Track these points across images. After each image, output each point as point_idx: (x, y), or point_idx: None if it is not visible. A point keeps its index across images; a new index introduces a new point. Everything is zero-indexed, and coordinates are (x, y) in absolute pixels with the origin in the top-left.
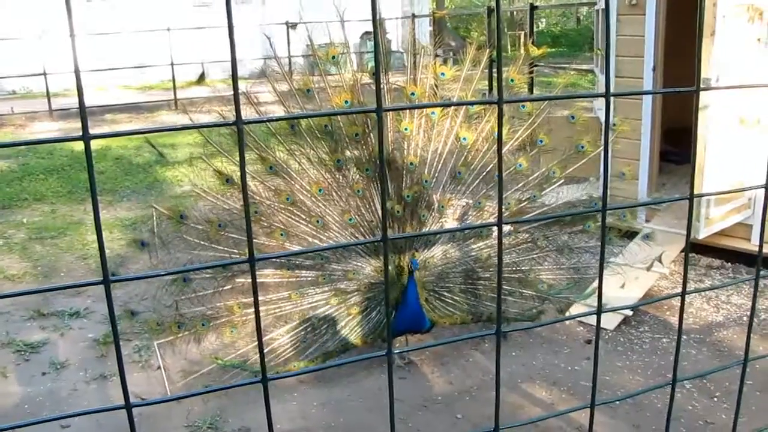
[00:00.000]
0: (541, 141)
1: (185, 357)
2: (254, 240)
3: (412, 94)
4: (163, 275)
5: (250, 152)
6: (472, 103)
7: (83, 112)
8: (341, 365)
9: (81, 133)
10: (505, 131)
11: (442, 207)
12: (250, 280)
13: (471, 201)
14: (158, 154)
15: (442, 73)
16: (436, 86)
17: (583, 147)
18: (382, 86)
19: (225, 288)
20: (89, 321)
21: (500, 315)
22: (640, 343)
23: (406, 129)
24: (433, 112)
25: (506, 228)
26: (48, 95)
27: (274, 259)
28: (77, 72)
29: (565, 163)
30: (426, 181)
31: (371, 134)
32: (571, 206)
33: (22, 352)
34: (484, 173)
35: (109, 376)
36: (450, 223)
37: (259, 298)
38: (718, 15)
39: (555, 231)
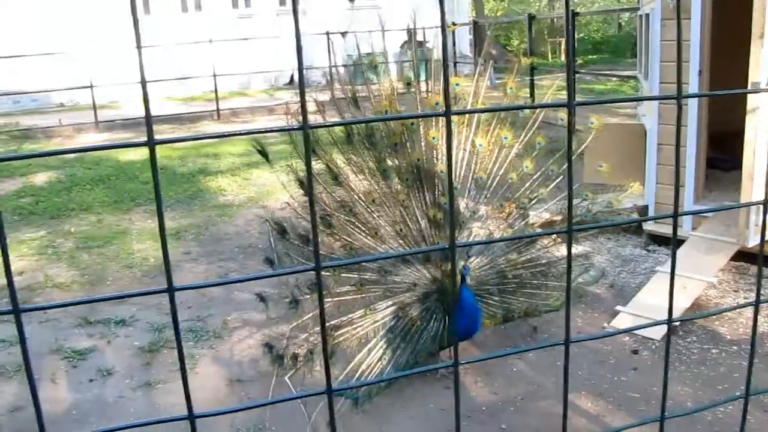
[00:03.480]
0: (540, 143)
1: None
2: (331, 255)
3: (437, 104)
4: (213, 285)
5: (318, 162)
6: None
7: (149, 120)
8: (409, 375)
9: (146, 140)
10: (510, 135)
11: (474, 212)
12: (340, 299)
13: (517, 203)
14: (264, 156)
15: (456, 84)
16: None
17: (601, 166)
18: (448, 90)
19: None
20: (135, 329)
21: (569, 325)
22: (688, 354)
23: (434, 138)
24: (453, 121)
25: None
26: (94, 107)
27: (348, 275)
28: (143, 82)
29: (562, 161)
30: (456, 188)
31: (408, 144)
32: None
33: (70, 359)
34: (498, 177)
35: (154, 383)
36: (493, 226)
37: (342, 318)
38: (767, 16)
39: (558, 224)
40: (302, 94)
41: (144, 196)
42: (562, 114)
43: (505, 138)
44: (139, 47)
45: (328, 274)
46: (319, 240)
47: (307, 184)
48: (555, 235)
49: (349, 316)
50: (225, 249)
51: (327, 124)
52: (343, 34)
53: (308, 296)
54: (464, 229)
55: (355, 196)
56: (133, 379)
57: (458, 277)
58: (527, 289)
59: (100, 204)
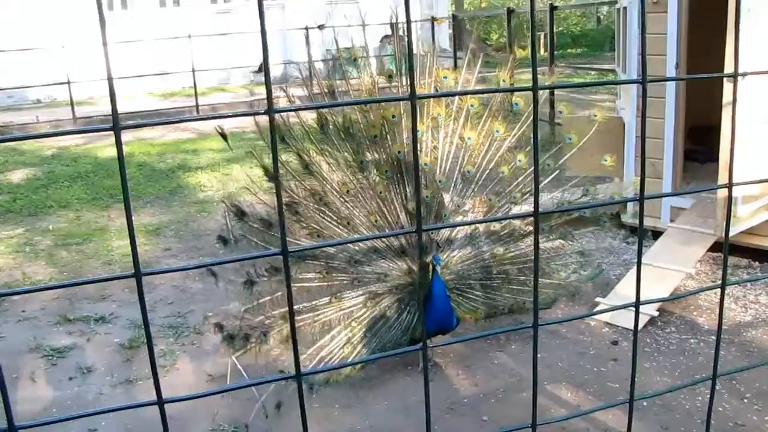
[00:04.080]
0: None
1: (218, 360)
2: (296, 241)
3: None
4: (191, 268)
5: (289, 152)
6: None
7: (114, 102)
8: (379, 359)
9: (112, 130)
10: (502, 129)
11: (458, 206)
12: (303, 285)
13: (508, 198)
14: (224, 138)
15: (445, 77)
16: (438, 89)
17: (570, 139)
18: (413, 74)
19: (278, 295)
20: (114, 326)
21: (537, 306)
22: (666, 344)
23: (418, 131)
24: (439, 114)
25: (517, 223)
26: (72, 104)
27: (313, 263)
28: (108, 66)
29: (557, 155)
30: (440, 181)
31: (388, 136)
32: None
33: (50, 357)
34: (488, 171)
35: (135, 380)
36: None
37: (305, 304)
38: (743, 9)
39: (558, 221)
40: (267, 77)
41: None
42: (562, 107)
43: (497, 131)
44: (105, 44)
45: (292, 259)
46: (288, 227)
47: (273, 169)
48: (547, 232)
49: (313, 302)
50: (205, 245)
51: (293, 108)
52: (321, 27)
53: (265, 279)
54: (448, 221)
55: (327, 186)
56: (114, 376)
57: (429, 268)
58: (514, 285)
59: (78, 201)
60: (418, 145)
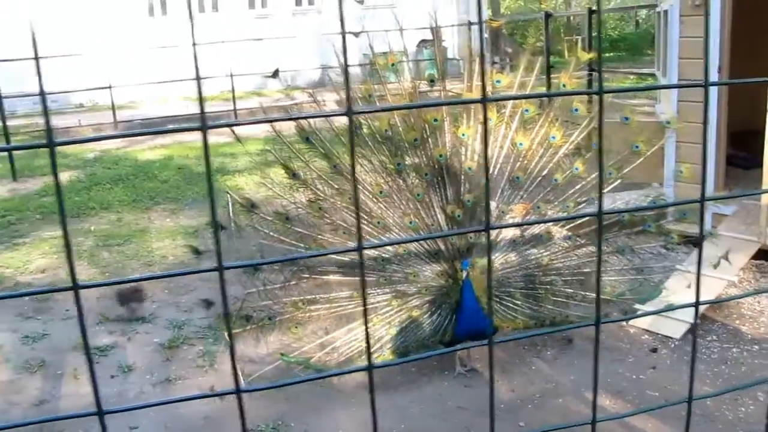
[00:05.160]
0: (596, 144)
1: (248, 359)
2: (319, 236)
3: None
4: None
5: (316, 152)
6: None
7: (202, 105)
8: (442, 354)
9: (200, 129)
10: (559, 135)
11: (503, 212)
12: (314, 277)
13: (560, 207)
14: (238, 140)
15: (498, 81)
16: (491, 93)
17: (638, 147)
18: (484, 77)
19: (291, 283)
20: (154, 326)
21: (599, 303)
22: (708, 353)
23: (463, 135)
24: (489, 119)
25: (564, 232)
26: (113, 107)
27: (338, 258)
28: (198, 73)
29: (621, 163)
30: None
31: (429, 139)
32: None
33: (93, 355)
34: (540, 178)
35: (174, 379)
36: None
37: (323, 296)
38: None
39: (614, 232)
40: (347, 80)
41: (162, 195)
42: (627, 113)
43: (553, 137)
44: (194, 45)
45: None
46: (309, 221)
47: (351, 168)
48: (603, 244)
49: (331, 294)
50: (242, 246)
51: (371, 109)
52: (356, 34)
53: (276, 268)
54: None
55: (360, 187)
56: (153, 376)
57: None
58: (558, 297)
59: (119, 203)
60: (463, 149)
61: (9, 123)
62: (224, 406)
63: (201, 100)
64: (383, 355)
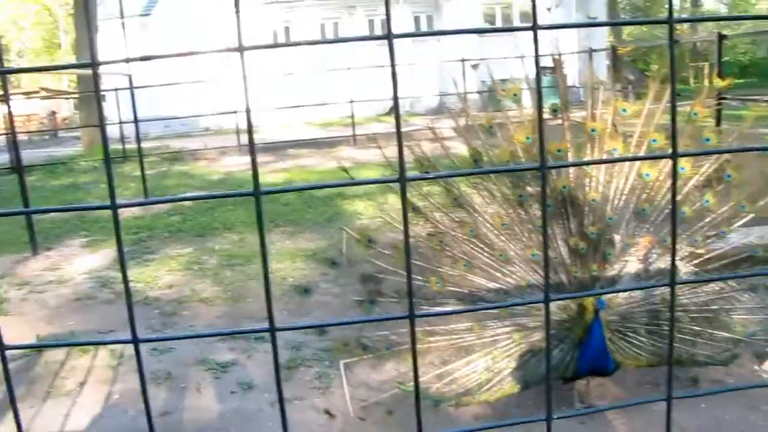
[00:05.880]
0: (729, 176)
1: (365, 384)
2: (438, 269)
3: (593, 130)
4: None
5: (435, 184)
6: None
7: (401, 157)
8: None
9: (398, 181)
10: (688, 166)
11: (627, 245)
12: (433, 308)
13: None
14: (346, 171)
15: (624, 109)
16: (614, 123)
17: None
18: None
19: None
20: None
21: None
22: None
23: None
24: (614, 149)
25: (691, 268)
26: (237, 132)
27: (456, 291)
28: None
29: (756, 196)
30: (610, 218)
31: (553, 171)
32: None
33: (214, 371)
34: (667, 210)
35: (291, 399)
36: (634, 262)
37: (442, 327)
38: None
39: (745, 267)
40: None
41: (283, 218)
42: (731, 171)
43: (682, 169)
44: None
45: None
46: (425, 253)
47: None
48: (733, 283)
49: (450, 326)
50: (353, 274)
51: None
52: (474, 66)
53: (394, 301)
54: (617, 261)
55: (480, 219)
56: (272, 394)
57: (590, 309)
58: (685, 335)
59: (241, 224)
60: (587, 180)
61: (142, 145)
62: (340, 428)
63: (401, 154)
64: (503, 388)
